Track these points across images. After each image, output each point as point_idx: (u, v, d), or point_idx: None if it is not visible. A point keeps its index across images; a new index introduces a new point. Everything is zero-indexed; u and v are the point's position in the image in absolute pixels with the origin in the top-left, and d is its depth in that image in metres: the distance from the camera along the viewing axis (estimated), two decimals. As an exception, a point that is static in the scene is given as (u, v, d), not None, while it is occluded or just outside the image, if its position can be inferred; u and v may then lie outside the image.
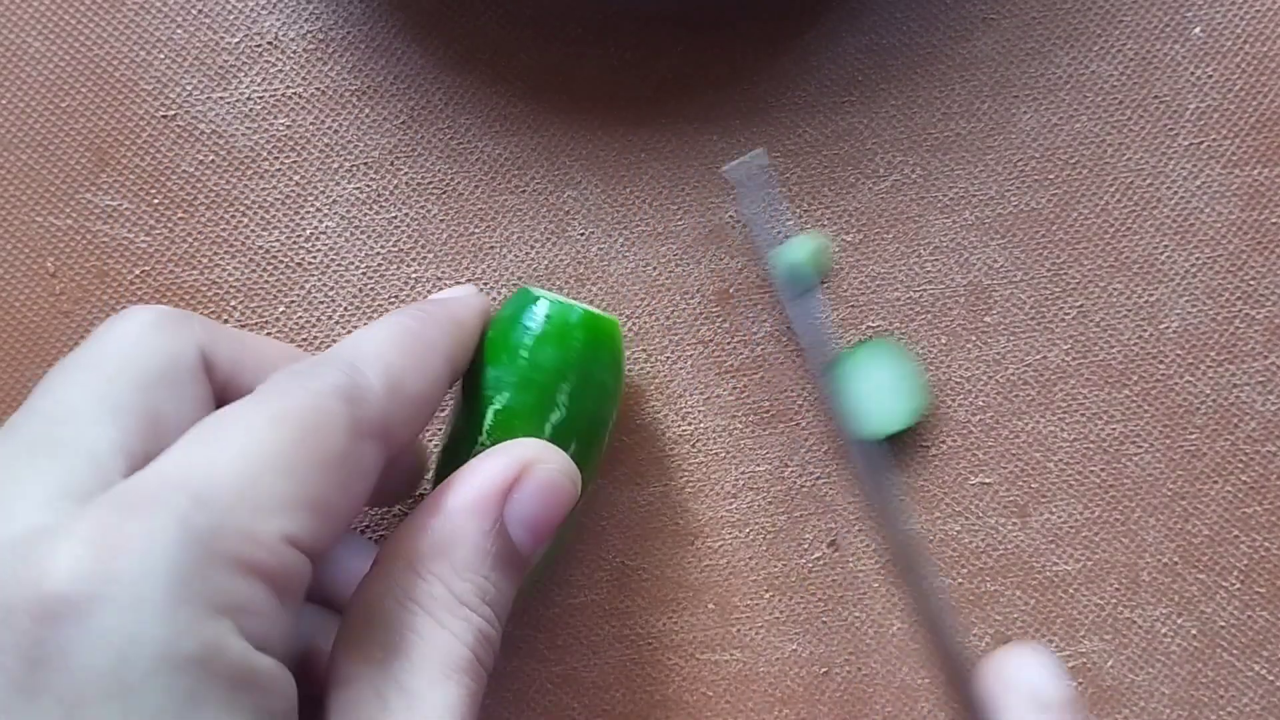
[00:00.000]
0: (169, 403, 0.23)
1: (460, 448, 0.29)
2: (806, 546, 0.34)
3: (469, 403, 0.29)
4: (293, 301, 0.35)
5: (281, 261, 0.35)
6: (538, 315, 0.29)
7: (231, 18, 0.35)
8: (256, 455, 0.21)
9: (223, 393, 0.26)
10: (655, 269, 0.35)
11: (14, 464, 0.22)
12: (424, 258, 0.35)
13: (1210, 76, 0.35)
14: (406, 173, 0.35)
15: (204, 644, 0.19)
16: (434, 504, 0.25)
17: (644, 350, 0.35)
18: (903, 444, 0.34)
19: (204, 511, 0.20)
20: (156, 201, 0.35)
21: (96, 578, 0.19)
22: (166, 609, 0.19)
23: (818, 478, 0.34)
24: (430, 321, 0.27)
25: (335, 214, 0.35)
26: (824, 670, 0.34)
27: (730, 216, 0.35)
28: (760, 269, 0.30)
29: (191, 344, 0.25)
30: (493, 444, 0.28)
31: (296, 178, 0.35)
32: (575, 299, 0.35)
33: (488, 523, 0.25)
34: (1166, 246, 0.35)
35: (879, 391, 0.33)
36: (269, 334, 0.35)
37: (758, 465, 0.34)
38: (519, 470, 0.25)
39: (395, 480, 0.31)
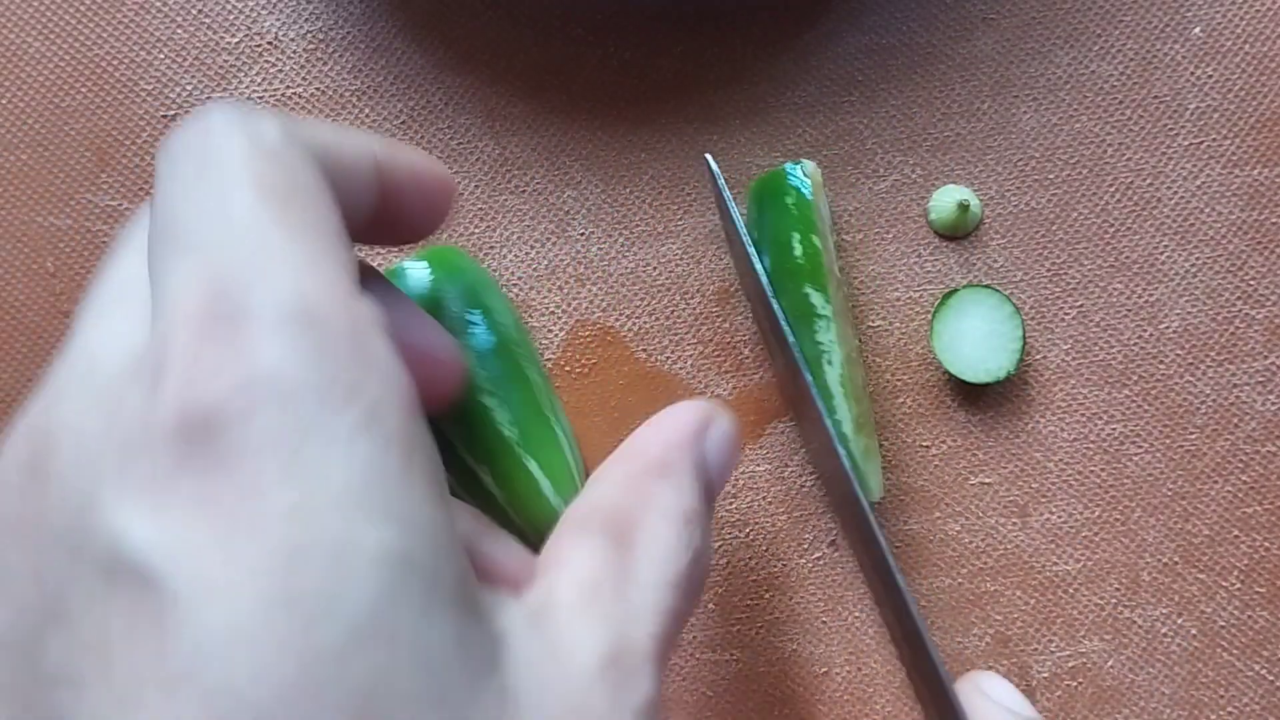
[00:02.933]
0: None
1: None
2: (806, 546, 0.34)
3: None
4: (293, 301, 0.35)
5: (281, 261, 0.35)
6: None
7: (231, 18, 0.35)
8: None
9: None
10: (655, 269, 0.35)
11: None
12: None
13: (1210, 76, 0.35)
14: (406, 173, 0.35)
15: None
16: (654, 433, 0.26)
17: (644, 350, 0.35)
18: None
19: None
20: (156, 201, 0.35)
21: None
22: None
23: (818, 478, 0.34)
24: None
25: (335, 214, 0.35)
26: (824, 670, 0.34)
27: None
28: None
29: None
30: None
31: (296, 178, 0.35)
32: (575, 299, 0.35)
33: (699, 455, 0.26)
34: (1166, 246, 0.35)
35: (977, 340, 0.33)
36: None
37: (758, 465, 0.34)
38: (708, 419, 0.27)
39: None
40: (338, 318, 0.19)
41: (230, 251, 0.19)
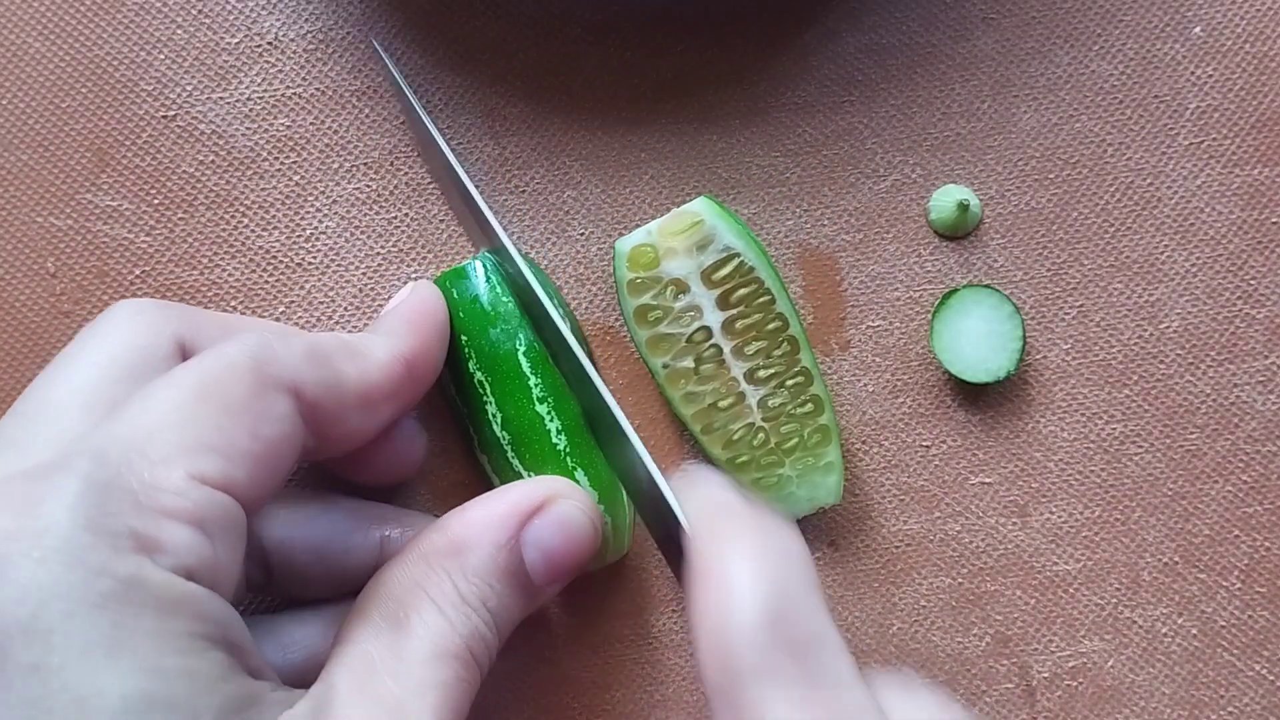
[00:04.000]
0: (139, 388, 0.26)
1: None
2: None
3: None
4: (293, 301, 0.35)
5: (281, 261, 0.35)
6: None
7: (231, 18, 0.35)
8: (158, 412, 0.24)
9: None
10: (655, 269, 0.35)
11: None
12: (424, 258, 0.35)
13: (1210, 76, 0.35)
14: (406, 173, 0.35)
15: (121, 580, 0.21)
16: (460, 513, 0.28)
17: (644, 350, 0.35)
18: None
19: (104, 467, 0.22)
20: (156, 201, 0.35)
21: (10, 537, 0.21)
22: (77, 555, 0.21)
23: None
24: (375, 324, 0.30)
25: (335, 214, 0.35)
26: (824, 670, 0.34)
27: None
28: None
29: (165, 334, 0.28)
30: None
31: (296, 178, 0.35)
32: (575, 299, 0.35)
33: (502, 537, 0.27)
34: (1166, 246, 0.35)
35: (977, 340, 0.33)
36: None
37: (758, 465, 0.34)
38: (542, 501, 0.28)
39: (391, 457, 0.32)
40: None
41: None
